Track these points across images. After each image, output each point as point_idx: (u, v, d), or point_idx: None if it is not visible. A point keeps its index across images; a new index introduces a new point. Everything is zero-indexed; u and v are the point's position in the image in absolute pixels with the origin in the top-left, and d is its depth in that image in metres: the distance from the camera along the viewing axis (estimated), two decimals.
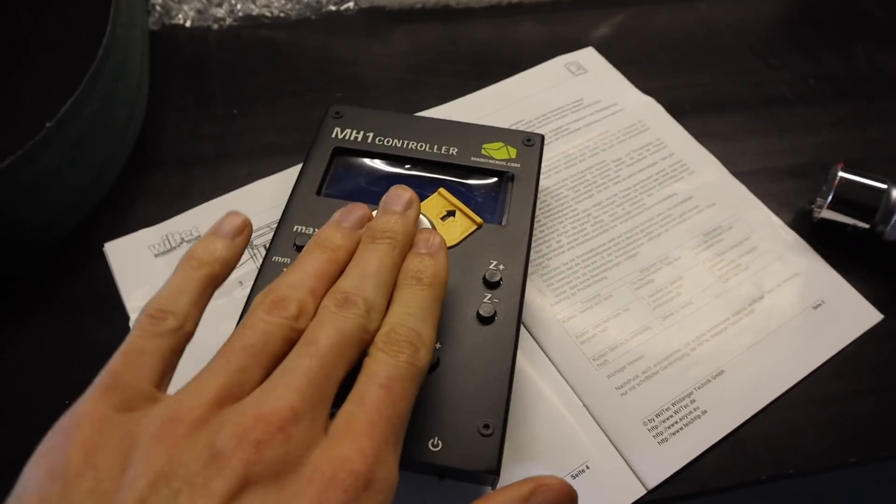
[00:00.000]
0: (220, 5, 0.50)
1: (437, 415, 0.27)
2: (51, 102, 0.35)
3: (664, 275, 0.37)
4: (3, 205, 0.34)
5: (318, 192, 0.34)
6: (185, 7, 0.50)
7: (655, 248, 0.38)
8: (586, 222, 0.39)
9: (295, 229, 0.32)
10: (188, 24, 0.50)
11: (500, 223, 0.34)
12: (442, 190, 0.34)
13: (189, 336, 0.22)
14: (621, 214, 0.40)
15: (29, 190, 0.34)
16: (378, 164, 0.36)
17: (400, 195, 0.27)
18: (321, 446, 0.19)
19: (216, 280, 0.24)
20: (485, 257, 0.32)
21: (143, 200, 0.40)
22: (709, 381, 0.34)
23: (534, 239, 0.38)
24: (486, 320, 0.30)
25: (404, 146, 0.36)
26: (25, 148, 0.33)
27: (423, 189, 0.34)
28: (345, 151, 0.36)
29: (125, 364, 0.21)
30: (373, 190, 0.35)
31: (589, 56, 0.48)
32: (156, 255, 0.37)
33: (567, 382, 0.33)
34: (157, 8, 0.50)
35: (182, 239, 0.38)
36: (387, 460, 0.20)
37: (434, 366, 0.28)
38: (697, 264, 0.38)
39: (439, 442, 0.26)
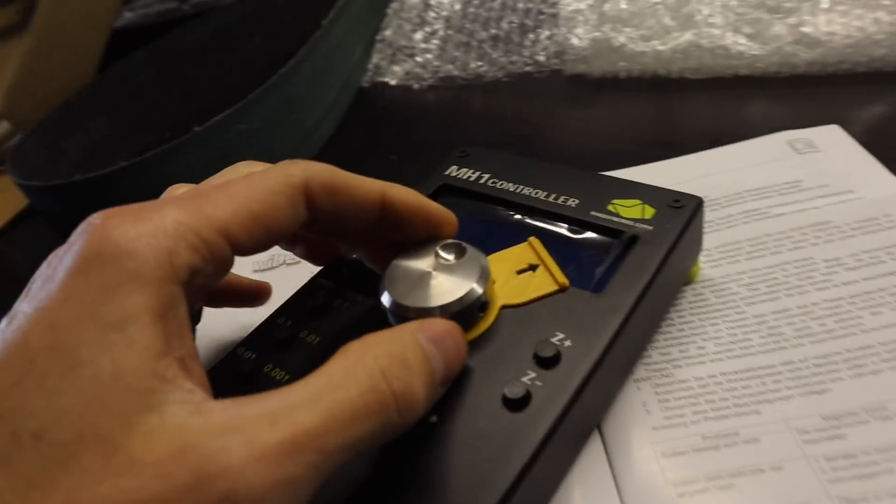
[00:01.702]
0: (424, 67, 0.50)
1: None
2: None
3: (869, 434, 0.23)
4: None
5: None
6: (396, 68, 0.51)
7: (862, 390, 0.24)
8: (755, 332, 0.27)
9: None
10: (393, 82, 0.51)
11: (595, 291, 0.25)
12: (532, 239, 0.27)
13: None
14: (817, 331, 0.27)
15: None
16: (480, 206, 0.30)
17: None
18: None
19: None
20: (550, 327, 0.23)
21: None
22: None
23: (664, 336, 0.27)
24: (513, 404, 0.21)
25: (517, 191, 0.30)
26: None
27: (518, 237, 0.27)
28: (449, 190, 0.31)
29: None
30: (463, 232, 0.29)
31: (829, 134, 0.36)
32: (254, 271, 0.36)
33: None
34: (372, 68, 0.52)
35: (284, 261, 0.36)
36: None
37: (424, 433, 0.20)
38: None
39: None
